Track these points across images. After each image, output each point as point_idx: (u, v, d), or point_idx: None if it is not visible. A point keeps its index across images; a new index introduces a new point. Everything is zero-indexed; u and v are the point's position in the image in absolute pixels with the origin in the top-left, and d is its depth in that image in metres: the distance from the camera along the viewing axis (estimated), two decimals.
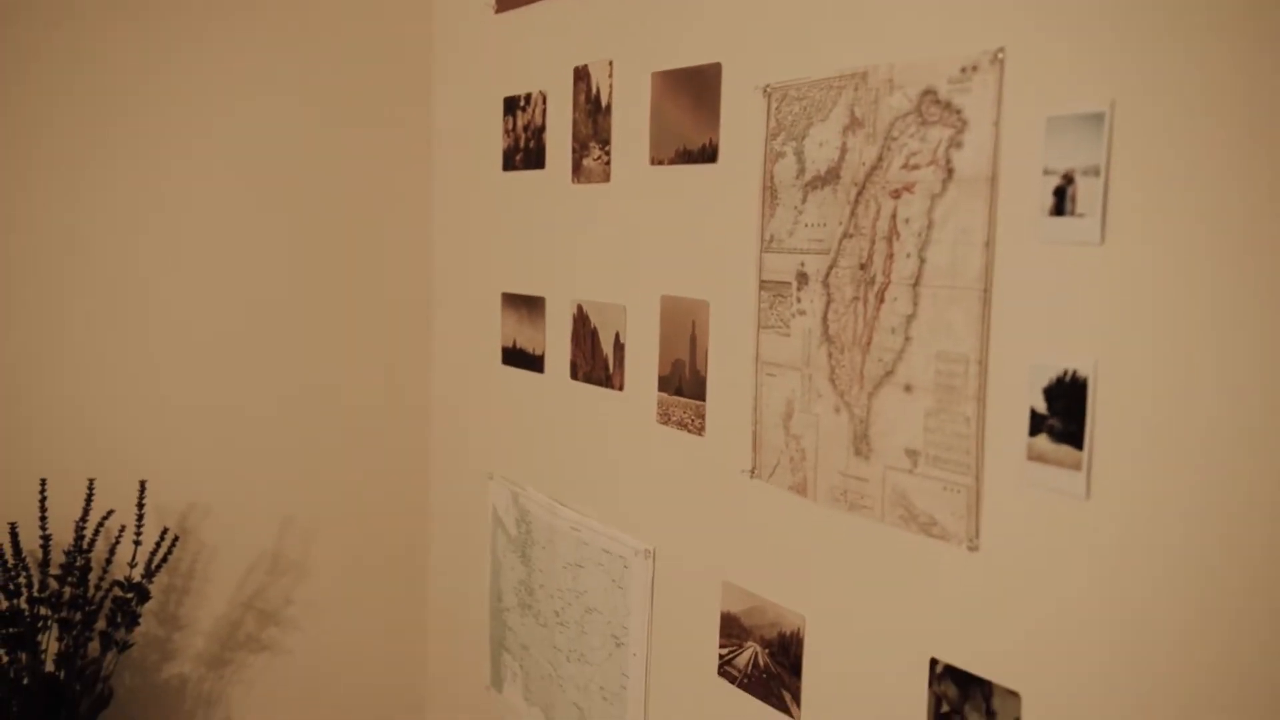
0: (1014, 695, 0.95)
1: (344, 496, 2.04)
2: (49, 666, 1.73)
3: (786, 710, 1.22)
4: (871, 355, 1.09)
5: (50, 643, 1.72)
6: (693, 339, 1.36)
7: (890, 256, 1.06)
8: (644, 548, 1.46)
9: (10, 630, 1.65)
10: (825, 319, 1.14)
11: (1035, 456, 0.93)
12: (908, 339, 1.04)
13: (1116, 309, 0.87)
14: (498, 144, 1.82)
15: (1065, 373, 0.90)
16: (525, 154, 1.73)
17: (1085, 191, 0.88)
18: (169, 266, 1.88)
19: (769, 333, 1.23)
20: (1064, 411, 0.90)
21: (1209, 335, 0.81)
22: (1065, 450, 0.90)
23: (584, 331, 1.59)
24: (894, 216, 1.05)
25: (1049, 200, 0.91)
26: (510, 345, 1.80)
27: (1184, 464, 0.82)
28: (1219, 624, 0.80)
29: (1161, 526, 0.84)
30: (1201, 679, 0.81)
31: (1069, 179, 0.89)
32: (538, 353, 1.72)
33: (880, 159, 1.07)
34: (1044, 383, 0.92)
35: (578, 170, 1.59)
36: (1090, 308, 0.89)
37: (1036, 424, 0.92)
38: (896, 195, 1.05)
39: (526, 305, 1.74)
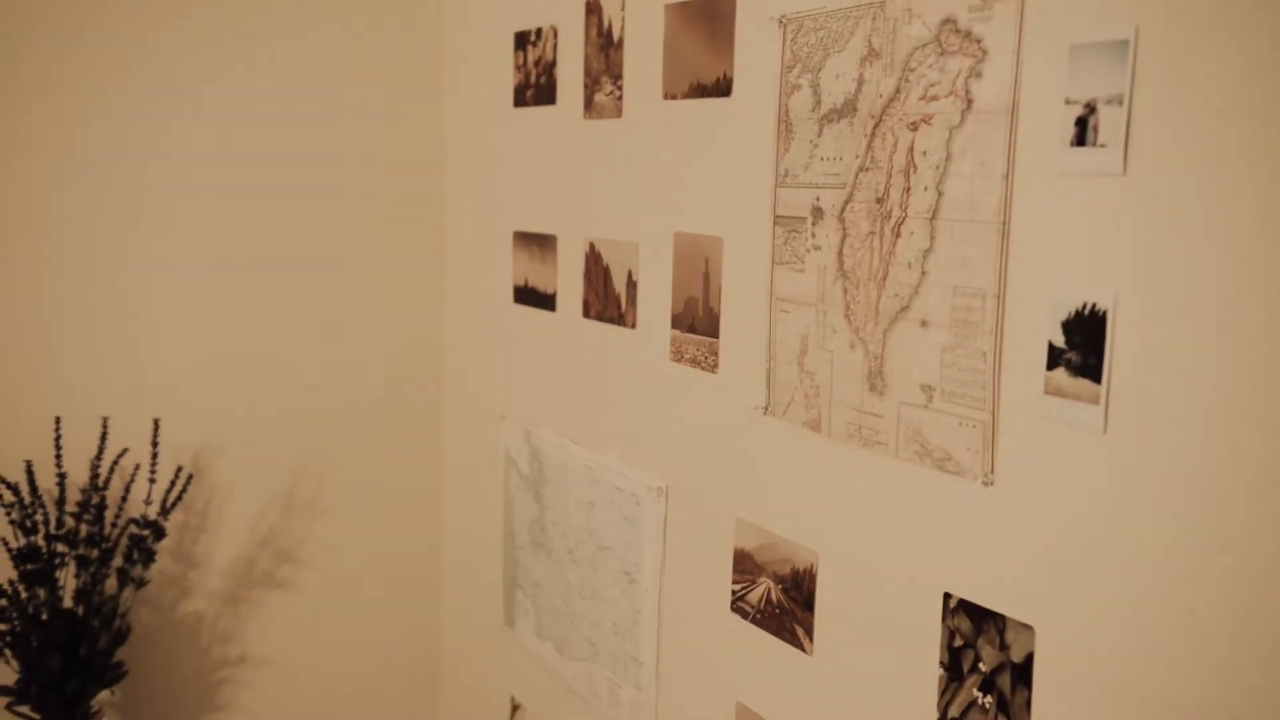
0: (1028, 629, 0.95)
1: (357, 437, 2.05)
2: (67, 602, 1.74)
3: (799, 645, 1.22)
4: (887, 290, 1.08)
5: (68, 579, 1.74)
6: (706, 276, 1.35)
7: (907, 190, 1.05)
8: (656, 485, 1.46)
9: (28, 566, 1.67)
10: (840, 254, 1.13)
11: (1053, 391, 0.92)
12: (924, 274, 1.03)
13: (1137, 241, 0.86)
14: (508, 80, 1.80)
15: (1084, 306, 0.89)
16: (536, 90, 1.71)
17: (1107, 121, 0.86)
18: (183, 205, 1.87)
19: (783, 269, 1.22)
20: (1082, 345, 0.89)
21: (1231, 267, 0.79)
22: (1083, 384, 0.89)
23: (596, 269, 1.58)
24: (911, 149, 1.04)
25: (1070, 131, 0.89)
26: (522, 284, 1.79)
27: (1203, 397, 0.81)
28: (1235, 558, 0.80)
29: (1179, 460, 0.83)
30: (1215, 612, 0.81)
31: (1091, 108, 0.87)
32: (549, 291, 1.71)
33: (898, 91, 1.05)
34: (1063, 316, 0.91)
35: (589, 106, 1.57)
36: (1110, 240, 0.87)
37: (1054, 358, 0.92)
38: (914, 128, 1.04)
39: (538, 243, 1.73)
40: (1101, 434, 0.88)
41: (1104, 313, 0.87)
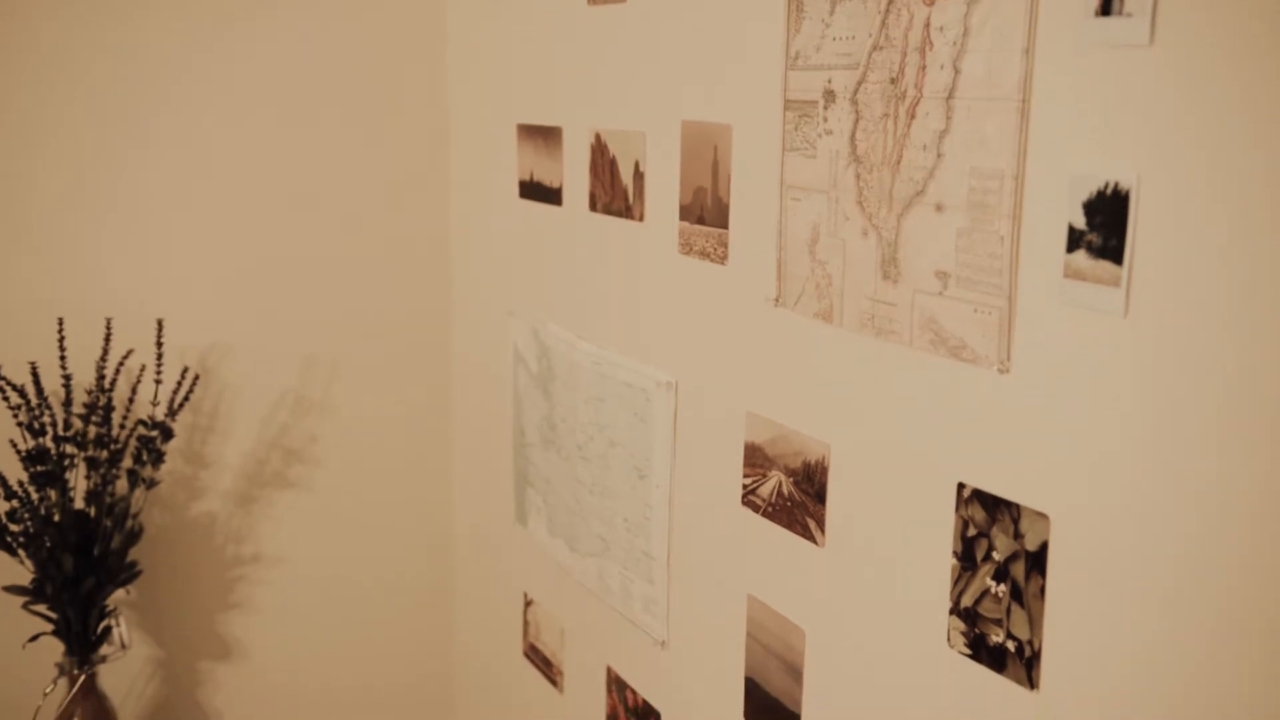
0: (1043, 517, 0.94)
1: (365, 334, 2.03)
2: (79, 504, 1.75)
3: (811, 537, 1.21)
4: (901, 174, 1.04)
5: (79, 481, 1.74)
6: (714, 165, 1.32)
7: (922, 69, 1.01)
8: (666, 380, 1.44)
9: (38, 468, 1.67)
10: (853, 138, 1.10)
11: (1072, 274, 0.89)
12: (940, 156, 1.00)
13: (1162, 116, 0.82)
14: None
15: (1106, 185, 0.86)
16: None
17: None
18: (186, 103, 1.83)
19: (794, 155, 1.18)
20: (1103, 226, 0.86)
21: (1257, 143, 0.76)
22: (1104, 266, 0.86)
23: (602, 161, 1.54)
24: (927, 25, 1.00)
25: None
26: (527, 178, 1.76)
27: (1227, 279, 0.79)
28: (1256, 441, 0.78)
29: (1201, 343, 0.81)
30: (1234, 499, 0.80)
31: None
32: (555, 185, 1.67)
33: None
34: (1084, 196, 0.87)
35: None
36: (1135, 116, 0.84)
37: (1074, 240, 0.89)
38: (930, 2, 0.99)
39: (543, 136, 1.69)
40: (1122, 317, 0.86)
41: (1126, 192, 0.84)
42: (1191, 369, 0.82)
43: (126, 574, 1.78)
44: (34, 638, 1.76)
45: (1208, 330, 0.80)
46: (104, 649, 1.78)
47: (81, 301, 1.80)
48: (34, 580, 1.71)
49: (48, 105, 1.75)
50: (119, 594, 1.86)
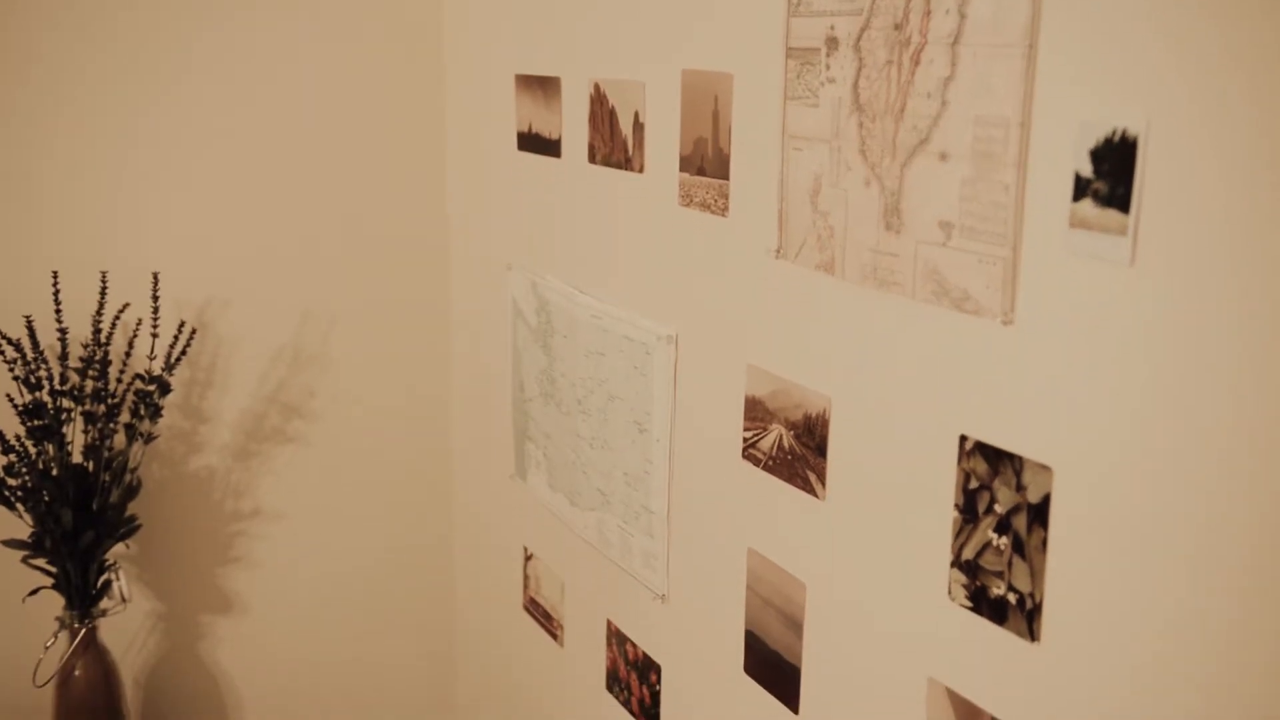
0: (1045, 469, 0.93)
1: (362, 288, 2.02)
2: (77, 458, 1.74)
3: (811, 491, 1.21)
4: (905, 123, 1.03)
5: (76, 435, 1.74)
6: (715, 115, 1.30)
7: (927, 14, 0.99)
8: (666, 333, 1.43)
9: (35, 422, 1.66)
10: (856, 86, 1.08)
11: (1078, 223, 0.88)
12: (944, 103, 0.98)
13: (1171, 59, 0.80)
14: None
15: (1114, 132, 0.84)
16: None
17: None
18: (182, 55, 1.80)
19: (796, 104, 1.16)
20: (1110, 174, 0.85)
21: (1269, 89, 0.74)
22: (1110, 214, 0.85)
23: (601, 112, 1.52)
24: None
25: None
26: (525, 130, 1.74)
27: (1236, 227, 0.77)
28: (1264, 391, 0.77)
29: (1208, 292, 0.80)
30: (1241, 448, 0.79)
31: None
32: (554, 137, 1.65)
33: None
34: (1090, 144, 0.86)
35: None
36: (1144, 59, 0.82)
37: (1081, 188, 0.87)
38: None
39: (541, 87, 1.67)
40: (1128, 267, 0.84)
41: (1135, 139, 0.83)
42: (1198, 318, 0.80)
43: (126, 528, 1.78)
44: (34, 591, 1.77)
45: (1215, 278, 0.79)
46: (104, 603, 1.78)
47: (76, 254, 1.79)
48: (33, 534, 1.71)
49: (44, 61, 1.73)
50: (118, 548, 1.86)
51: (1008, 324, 0.95)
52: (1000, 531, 0.98)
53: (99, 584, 1.76)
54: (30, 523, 1.71)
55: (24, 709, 1.88)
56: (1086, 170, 0.87)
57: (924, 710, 1.08)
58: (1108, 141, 0.85)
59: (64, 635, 1.77)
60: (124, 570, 1.85)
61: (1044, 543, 0.94)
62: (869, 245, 1.09)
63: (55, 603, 1.79)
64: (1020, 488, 0.96)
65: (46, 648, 1.78)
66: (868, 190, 1.08)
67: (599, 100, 1.52)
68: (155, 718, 2.03)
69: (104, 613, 1.78)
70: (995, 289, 0.96)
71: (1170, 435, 0.83)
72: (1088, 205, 0.87)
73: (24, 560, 1.73)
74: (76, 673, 1.77)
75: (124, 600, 1.80)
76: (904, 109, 1.02)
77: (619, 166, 1.50)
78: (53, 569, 1.74)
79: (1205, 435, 0.81)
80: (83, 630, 1.76)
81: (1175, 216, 0.81)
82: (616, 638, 1.63)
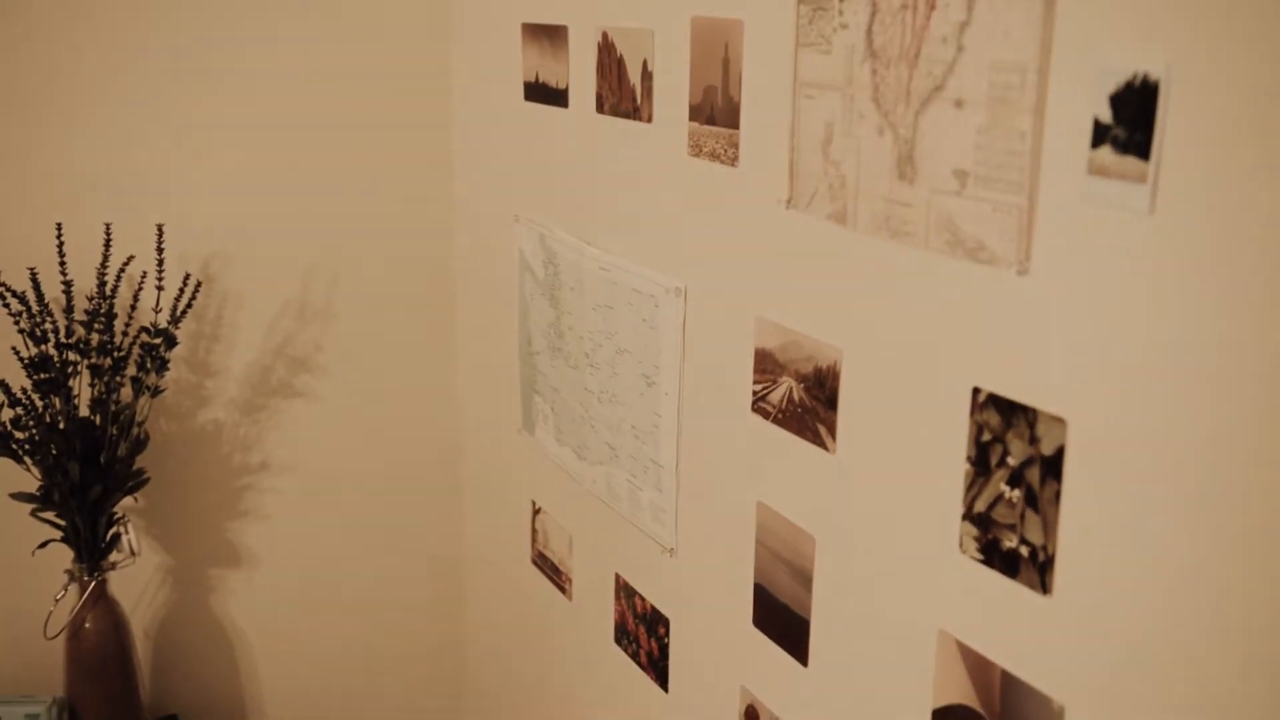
0: (1059, 422, 0.92)
1: (367, 242, 2.01)
2: (84, 411, 1.74)
3: (821, 444, 1.20)
4: (919, 69, 1.01)
5: (83, 388, 1.73)
6: (725, 63, 1.28)
7: None
8: (675, 286, 1.42)
9: (41, 375, 1.66)
10: (870, 32, 1.06)
11: (1096, 170, 0.86)
12: (960, 49, 0.96)
13: (1195, 3, 0.78)
14: None
15: (1134, 77, 0.82)
16: None
17: None
18: (187, 2, 1.78)
19: (808, 51, 1.14)
20: (1130, 120, 0.83)
21: None
22: (1130, 162, 0.83)
23: (609, 61, 1.50)
24: None
25: None
26: (532, 80, 1.71)
27: (1259, 173, 0.76)
28: None
29: (1230, 241, 0.78)
30: (1259, 402, 0.77)
31: None
32: (561, 86, 1.63)
33: None
34: (1110, 89, 0.84)
35: None
36: (1166, 3, 0.80)
37: (1099, 135, 0.85)
38: None
39: (548, 35, 1.65)
40: (1147, 215, 0.83)
41: (1156, 83, 0.81)
42: (1218, 268, 0.79)
43: (134, 481, 1.78)
44: (43, 544, 1.77)
45: (1237, 227, 0.77)
46: (113, 556, 1.79)
47: (79, 206, 1.77)
48: (41, 487, 1.71)
49: (48, 12, 1.71)
50: (127, 501, 1.86)
51: (1023, 274, 0.94)
52: (1013, 484, 0.97)
53: (108, 537, 1.77)
54: (38, 476, 1.71)
55: (36, 661, 1.89)
56: (1106, 116, 0.85)
57: (933, 663, 1.08)
58: (1128, 86, 0.83)
59: (74, 588, 1.78)
60: (133, 524, 1.85)
61: (1057, 495, 0.93)
62: (881, 195, 1.07)
63: (65, 556, 1.79)
64: (1034, 440, 0.95)
65: (56, 600, 1.79)
66: (881, 139, 1.06)
67: (607, 49, 1.50)
68: (166, 669, 2.04)
69: (113, 566, 1.79)
70: (1010, 238, 0.94)
71: (1187, 387, 0.82)
72: (1106, 152, 0.85)
73: (33, 513, 1.73)
74: (87, 625, 1.78)
75: (133, 553, 1.80)
76: (919, 55, 1.00)
77: (627, 116, 1.48)
78: (61, 522, 1.74)
79: (1222, 388, 0.80)
80: (92, 583, 1.77)
81: (1196, 164, 0.79)
82: (625, 591, 1.63)
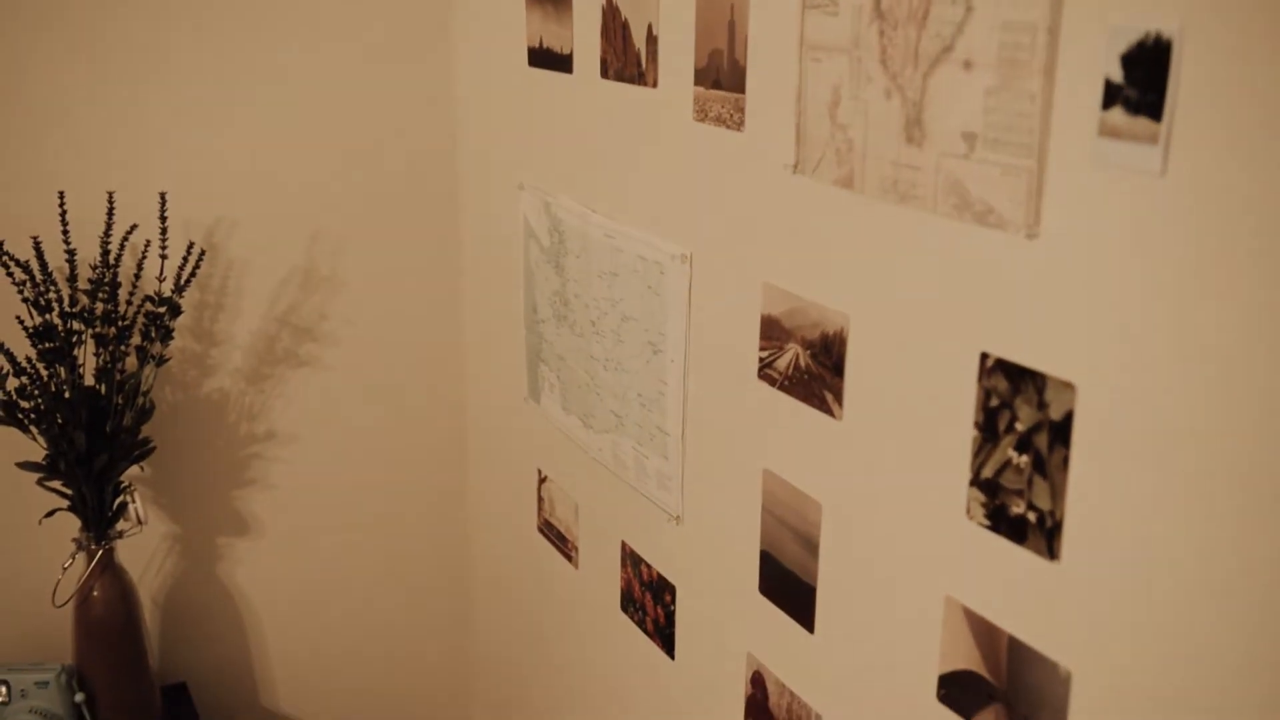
0: (1068, 387, 0.91)
1: (371, 209, 2.00)
2: (89, 381, 1.74)
3: (828, 410, 1.19)
4: (928, 30, 0.99)
5: (88, 358, 1.73)
6: (731, 25, 1.26)
7: None
8: (680, 252, 1.41)
9: (46, 345, 1.65)
10: None
11: (1108, 132, 0.85)
12: (969, 9, 0.95)
13: None
14: None
15: (1147, 36, 0.81)
16: None
17: None
18: None
19: (815, 12, 1.13)
20: (1142, 80, 0.82)
21: None
22: (1142, 122, 0.82)
23: (614, 25, 1.49)
24: None
25: None
26: (536, 45, 1.70)
27: (1273, 135, 0.74)
28: None
29: (1241, 204, 0.77)
30: (1270, 367, 0.77)
31: None
32: (565, 51, 1.62)
33: None
34: (1122, 48, 0.83)
35: None
36: None
37: (1111, 96, 0.84)
38: None
39: (552, 0, 1.63)
40: (1159, 177, 0.82)
41: (1169, 42, 0.79)
42: (1231, 231, 0.78)
43: (139, 451, 1.77)
44: (50, 513, 1.77)
45: (1250, 189, 0.76)
46: (120, 524, 1.79)
47: (82, 175, 1.76)
48: (47, 456, 1.71)
49: None
50: (133, 470, 1.86)
51: (1032, 238, 0.93)
52: (1021, 450, 0.96)
53: (114, 506, 1.77)
54: (44, 445, 1.71)
55: (45, 628, 1.89)
56: (1117, 76, 0.83)
57: (940, 629, 1.08)
58: (1140, 46, 0.81)
59: (81, 556, 1.78)
60: (140, 492, 1.86)
61: (1065, 461, 0.92)
62: (889, 158, 1.06)
63: (72, 524, 1.80)
64: (1042, 405, 0.94)
65: (64, 569, 1.79)
66: (888, 102, 1.05)
67: (611, 13, 1.49)
68: (174, 637, 2.05)
69: (120, 534, 1.79)
70: (1019, 202, 0.93)
71: (1197, 352, 0.81)
72: (1118, 113, 0.84)
73: (39, 482, 1.73)
74: (95, 593, 1.78)
75: (140, 522, 1.81)
76: (927, 16, 0.99)
77: (632, 81, 1.46)
78: (68, 491, 1.74)
79: (1233, 352, 0.79)
80: (100, 551, 1.77)
81: (1209, 124, 0.78)
82: (631, 559, 1.63)
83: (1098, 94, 0.85)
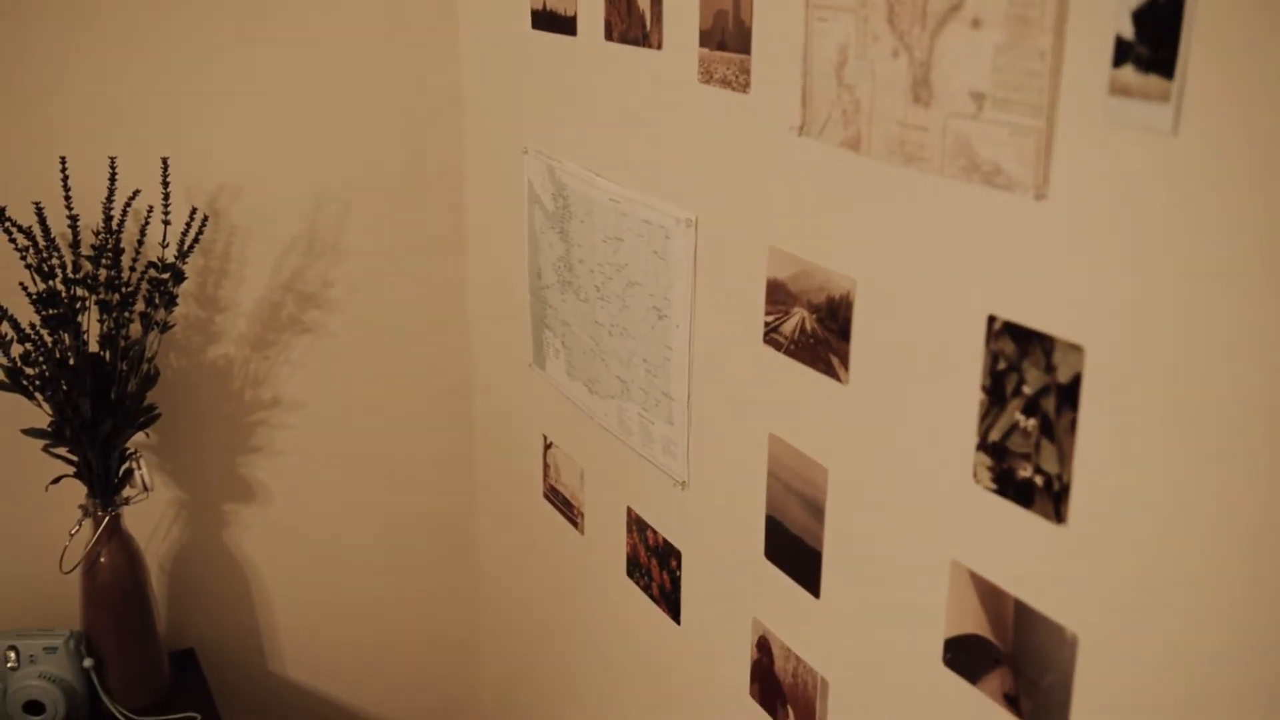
0: (1077, 349, 0.91)
1: (375, 174, 1.98)
2: (93, 347, 1.73)
3: (834, 374, 1.19)
4: None
5: (91, 324, 1.72)
6: None
7: None
8: (686, 216, 1.40)
9: (50, 311, 1.65)
10: None
11: (1118, 90, 0.84)
12: None
13: None
14: None
15: None
16: None
17: None
18: None
19: None
20: (1154, 37, 0.80)
21: None
22: (1153, 80, 0.81)
23: None
24: None
25: None
26: (539, 7, 1.68)
27: None
28: None
29: (1255, 164, 0.76)
30: None
31: None
32: (569, 13, 1.60)
33: None
34: (1133, 4, 0.81)
35: None
36: None
37: (1121, 53, 0.83)
38: None
39: None
40: (1171, 136, 0.80)
41: None
42: (1244, 191, 0.77)
43: (145, 417, 1.77)
44: (56, 480, 1.77)
45: (1264, 149, 0.75)
46: (126, 491, 1.79)
47: (83, 140, 1.75)
48: (52, 423, 1.71)
49: None
50: (139, 437, 1.86)
51: (1040, 198, 0.92)
52: (1028, 413, 0.96)
53: (120, 472, 1.77)
54: (49, 412, 1.71)
55: (52, 594, 1.90)
56: (1128, 33, 0.82)
57: (946, 593, 1.08)
58: (1152, 1, 0.80)
59: (88, 523, 1.79)
60: (145, 459, 1.86)
61: (1073, 424, 0.92)
62: (896, 119, 1.05)
63: (78, 491, 1.80)
64: (1050, 368, 0.93)
65: (71, 535, 1.80)
66: (895, 61, 1.04)
67: None
68: (181, 602, 2.05)
69: (126, 501, 1.79)
70: (1028, 162, 0.92)
71: (1208, 314, 0.80)
72: (1129, 71, 0.82)
73: (45, 449, 1.73)
74: (102, 559, 1.79)
75: (146, 489, 1.81)
76: None
77: (636, 43, 1.45)
78: (74, 458, 1.74)
79: (1244, 314, 0.78)
80: (106, 518, 1.77)
81: (1223, 82, 0.77)
82: (637, 524, 1.63)
83: (1108, 52, 0.84)
